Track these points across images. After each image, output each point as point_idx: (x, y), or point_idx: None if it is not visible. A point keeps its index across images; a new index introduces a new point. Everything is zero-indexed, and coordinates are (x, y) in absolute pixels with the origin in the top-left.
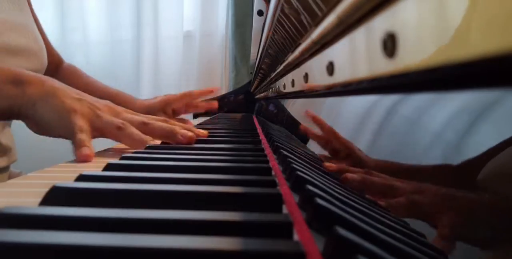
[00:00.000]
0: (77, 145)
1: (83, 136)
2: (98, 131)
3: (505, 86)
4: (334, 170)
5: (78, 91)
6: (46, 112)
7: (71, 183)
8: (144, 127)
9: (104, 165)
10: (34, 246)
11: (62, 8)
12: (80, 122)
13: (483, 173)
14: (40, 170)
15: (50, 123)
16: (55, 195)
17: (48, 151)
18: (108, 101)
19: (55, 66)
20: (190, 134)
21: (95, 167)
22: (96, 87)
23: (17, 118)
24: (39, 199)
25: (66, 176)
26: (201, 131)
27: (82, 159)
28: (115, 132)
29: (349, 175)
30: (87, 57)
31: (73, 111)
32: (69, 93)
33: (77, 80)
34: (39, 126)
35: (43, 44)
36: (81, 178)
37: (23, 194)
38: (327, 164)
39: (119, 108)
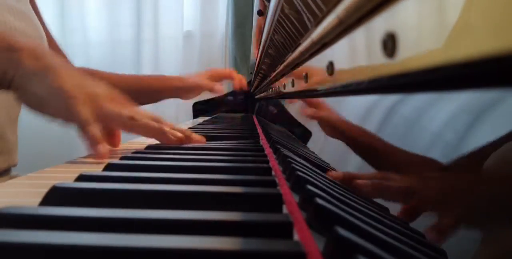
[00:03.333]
0: (91, 141)
1: (94, 130)
2: (102, 121)
3: (505, 86)
4: (339, 178)
5: (75, 72)
6: (42, 91)
7: (71, 183)
8: (131, 122)
9: (104, 165)
10: (34, 246)
11: (62, 8)
12: (85, 111)
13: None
14: (40, 170)
15: (46, 103)
16: (55, 195)
17: (48, 151)
18: (108, 88)
19: None
20: (179, 134)
21: (95, 167)
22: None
23: (8, 88)
24: (39, 199)
25: (66, 176)
26: (198, 136)
27: (99, 158)
28: (125, 123)
29: (360, 181)
30: (87, 57)
31: (73, 98)
32: (67, 75)
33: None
34: (33, 103)
35: (43, 33)
36: (81, 178)
37: (23, 194)
38: (330, 173)
39: (121, 98)
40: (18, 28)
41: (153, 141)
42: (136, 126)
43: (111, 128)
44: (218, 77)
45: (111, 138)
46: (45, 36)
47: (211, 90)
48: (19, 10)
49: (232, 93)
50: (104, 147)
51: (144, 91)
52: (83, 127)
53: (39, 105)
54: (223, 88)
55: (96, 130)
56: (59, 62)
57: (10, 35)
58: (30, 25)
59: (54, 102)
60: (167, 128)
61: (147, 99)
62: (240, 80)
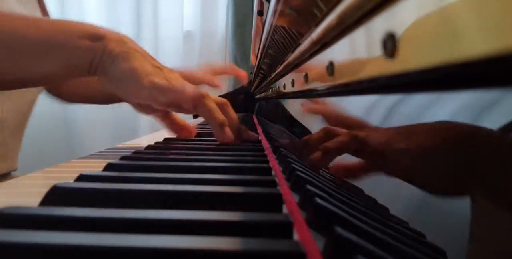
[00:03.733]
0: (180, 91)
1: (178, 85)
2: (173, 103)
3: (505, 86)
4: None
5: (154, 58)
6: (122, 71)
7: (71, 183)
8: (200, 99)
9: (104, 165)
10: (34, 246)
11: (62, 8)
12: (163, 81)
13: None
14: (40, 170)
15: (123, 83)
16: (55, 195)
17: (48, 151)
18: (179, 72)
19: None
20: (231, 136)
21: (95, 167)
22: None
23: (94, 74)
24: (39, 199)
25: (66, 176)
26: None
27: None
28: (191, 103)
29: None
30: None
31: (150, 75)
32: (148, 59)
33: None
34: (111, 84)
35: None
36: (81, 178)
37: (23, 194)
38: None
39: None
40: None
41: (153, 140)
42: (202, 106)
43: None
44: (219, 73)
45: (182, 129)
46: None
47: (211, 84)
48: None
49: (232, 93)
50: (196, 92)
51: None
52: (168, 90)
53: (119, 87)
54: (222, 84)
55: (179, 85)
56: (140, 48)
57: (94, 25)
58: None
59: (134, 81)
60: (225, 124)
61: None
62: (244, 75)
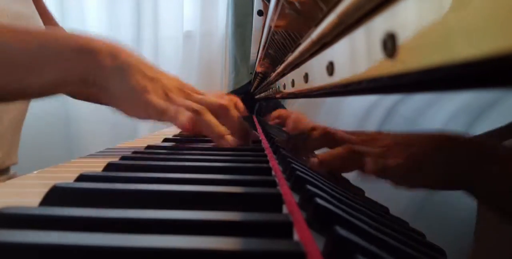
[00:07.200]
0: (173, 116)
1: (173, 108)
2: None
3: (505, 86)
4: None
5: (151, 67)
6: (119, 88)
7: (71, 183)
8: (197, 117)
9: (104, 165)
10: (34, 246)
11: (61, 8)
12: (160, 101)
13: None
14: (40, 170)
15: (123, 100)
16: (55, 195)
17: (48, 151)
18: (177, 79)
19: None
20: (232, 142)
21: (95, 167)
22: None
23: (93, 87)
24: (39, 199)
25: (66, 176)
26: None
27: (185, 124)
28: (187, 125)
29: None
30: None
31: (146, 92)
32: (142, 70)
33: None
34: (113, 102)
35: (34, 8)
36: (81, 178)
37: (23, 194)
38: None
39: (189, 88)
40: (13, 9)
41: (152, 141)
42: (199, 124)
43: None
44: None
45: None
46: (37, 13)
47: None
48: None
49: (232, 93)
50: (188, 116)
51: None
52: (162, 112)
53: (118, 103)
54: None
55: (174, 107)
56: (135, 58)
57: (86, 37)
58: (24, 4)
59: (131, 99)
60: (226, 133)
61: None
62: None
